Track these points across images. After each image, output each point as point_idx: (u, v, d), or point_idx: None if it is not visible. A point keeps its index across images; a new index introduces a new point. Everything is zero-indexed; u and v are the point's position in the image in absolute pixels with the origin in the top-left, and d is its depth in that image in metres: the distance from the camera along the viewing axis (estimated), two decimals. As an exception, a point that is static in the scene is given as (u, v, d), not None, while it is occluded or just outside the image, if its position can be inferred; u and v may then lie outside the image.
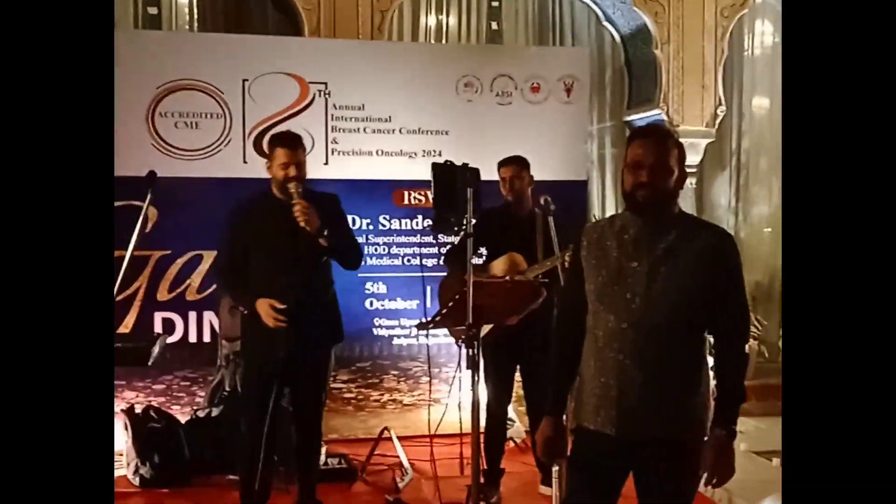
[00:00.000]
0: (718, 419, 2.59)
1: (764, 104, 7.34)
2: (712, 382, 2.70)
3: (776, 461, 4.96)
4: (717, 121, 6.60)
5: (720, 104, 6.57)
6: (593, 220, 6.56)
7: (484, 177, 3.62)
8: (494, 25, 7.09)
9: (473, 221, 3.38)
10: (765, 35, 7.30)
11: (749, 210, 7.38)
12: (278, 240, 3.78)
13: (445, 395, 5.59)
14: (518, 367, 4.52)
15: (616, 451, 2.62)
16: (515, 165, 4.49)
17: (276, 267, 3.79)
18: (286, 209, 3.74)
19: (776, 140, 7.33)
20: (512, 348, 4.35)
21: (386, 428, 5.11)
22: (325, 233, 3.74)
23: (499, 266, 4.37)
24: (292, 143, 3.85)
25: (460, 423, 4.35)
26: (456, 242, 4.53)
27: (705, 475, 2.59)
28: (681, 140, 2.79)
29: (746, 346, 2.70)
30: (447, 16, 6.94)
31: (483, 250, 4.61)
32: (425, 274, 5.22)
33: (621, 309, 2.59)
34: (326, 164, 5.48)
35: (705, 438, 2.61)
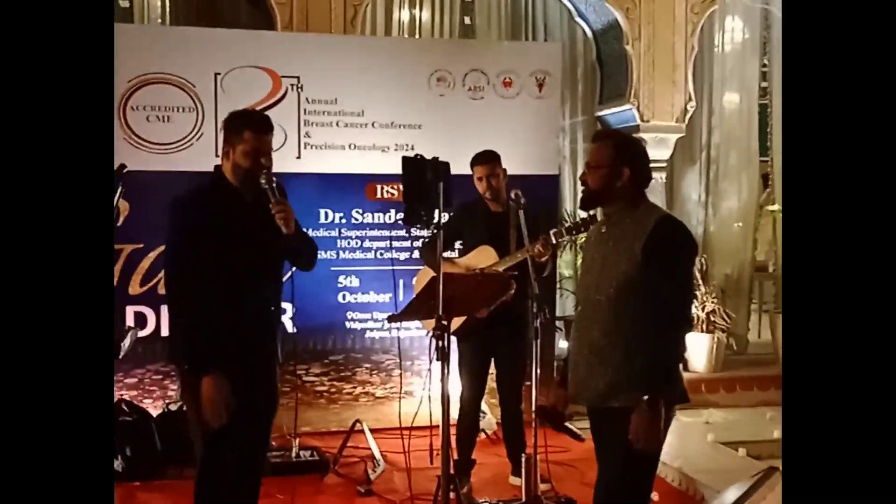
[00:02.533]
0: (646, 387, 2.76)
1: (734, 100, 7.44)
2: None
3: (742, 451, 5.04)
4: (687, 116, 6.68)
5: (690, 99, 6.65)
6: (565, 215, 6.70)
7: (456, 171, 3.65)
8: (467, 20, 7.14)
9: (445, 215, 3.41)
10: (734, 31, 7.39)
11: (719, 204, 7.48)
12: (242, 242, 3.08)
13: (418, 388, 5.62)
14: (492, 359, 4.56)
15: (590, 421, 2.98)
16: (490, 164, 4.48)
17: (236, 278, 3.07)
18: (248, 203, 3.13)
19: (746, 135, 7.45)
20: (485, 340, 4.39)
21: (358, 420, 5.13)
22: (298, 233, 3.17)
23: (471, 258, 4.41)
24: (262, 126, 3.14)
25: (430, 415, 4.38)
26: (429, 236, 4.56)
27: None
28: (635, 139, 3.08)
29: (685, 321, 2.87)
30: (420, 10, 6.97)
31: (458, 244, 4.64)
32: (397, 267, 5.25)
33: (581, 293, 3.00)
34: (299, 157, 5.49)
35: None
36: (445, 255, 3.92)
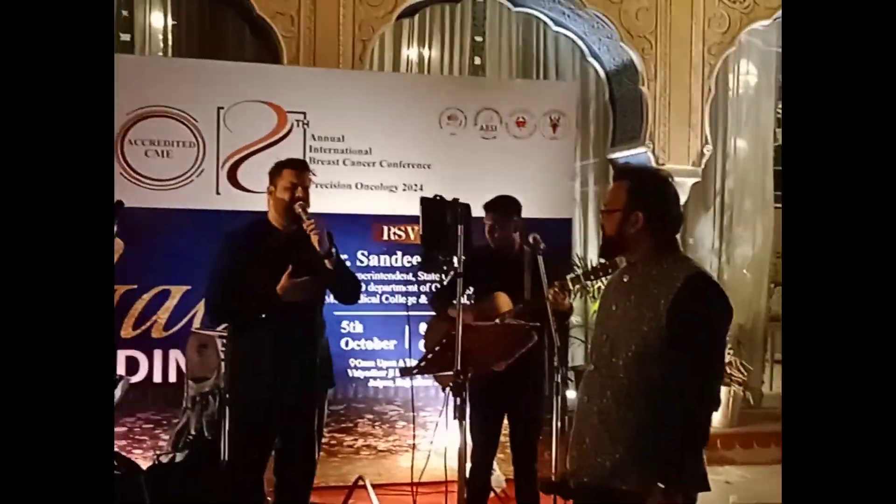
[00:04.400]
0: (661, 474, 2.42)
1: (748, 145, 7.25)
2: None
3: (768, 515, 4.76)
4: (704, 160, 6.49)
5: (706, 143, 6.46)
6: (577, 259, 6.46)
7: (473, 213, 3.44)
8: (477, 60, 6.97)
9: (463, 260, 3.18)
10: (749, 75, 7.24)
11: (732, 252, 7.26)
12: (279, 272, 3.50)
13: (423, 441, 5.35)
14: (505, 414, 4.29)
15: (592, 501, 2.58)
16: (497, 213, 4.23)
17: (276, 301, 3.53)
18: (286, 238, 3.59)
19: (761, 180, 7.26)
20: (500, 394, 4.11)
21: (360, 476, 4.86)
22: (333, 253, 3.59)
23: (485, 306, 4.16)
24: (301, 165, 3.73)
25: (445, 470, 4.14)
26: (444, 282, 4.32)
27: None
28: (657, 178, 2.70)
29: (712, 400, 2.51)
30: (429, 49, 6.80)
31: (470, 290, 4.40)
32: (407, 313, 4.99)
33: (595, 351, 2.63)
34: (303, 196, 5.26)
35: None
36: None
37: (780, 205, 7.60)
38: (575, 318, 6.84)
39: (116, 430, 4.97)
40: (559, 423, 3.72)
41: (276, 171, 3.71)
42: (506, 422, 4.34)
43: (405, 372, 3.51)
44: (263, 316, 3.53)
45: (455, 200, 3.19)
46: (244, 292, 3.55)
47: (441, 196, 3.20)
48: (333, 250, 3.58)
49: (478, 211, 3.97)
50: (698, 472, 2.49)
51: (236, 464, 3.70)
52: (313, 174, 3.72)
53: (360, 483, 4.83)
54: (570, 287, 3.93)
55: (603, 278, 4.62)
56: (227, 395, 3.86)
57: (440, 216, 3.14)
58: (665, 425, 2.43)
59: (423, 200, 3.19)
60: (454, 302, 3.31)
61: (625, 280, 2.63)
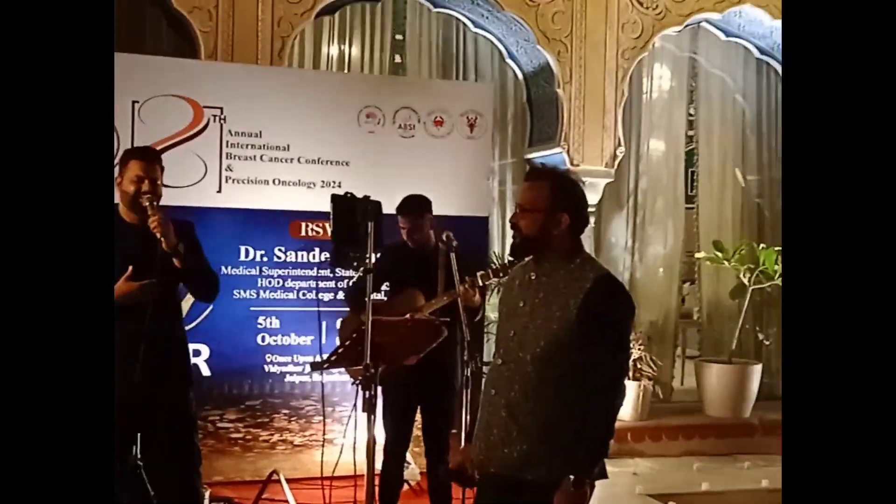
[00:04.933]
0: (571, 466, 2.51)
1: (661, 147, 7.47)
2: None
3: (672, 504, 4.95)
4: (617, 161, 6.67)
5: (619, 145, 6.65)
6: (493, 257, 6.58)
7: (386, 210, 3.50)
8: (398, 58, 7.03)
9: (374, 257, 3.24)
10: (662, 79, 7.45)
11: (645, 250, 7.47)
12: (123, 268, 3.26)
13: (338, 435, 5.39)
14: (418, 407, 4.37)
15: (498, 492, 2.63)
16: (410, 216, 4.30)
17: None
18: (133, 233, 3.34)
19: (672, 182, 7.48)
20: (412, 387, 4.20)
21: (275, 471, 4.88)
22: (181, 251, 3.32)
23: (399, 303, 4.23)
24: (148, 156, 3.47)
25: (354, 465, 4.17)
26: (356, 278, 4.37)
27: None
28: (574, 181, 2.78)
29: (618, 393, 2.61)
30: (350, 46, 6.84)
31: (385, 286, 4.46)
32: (322, 309, 5.03)
33: (502, 345, 2.69)
34: (220, 192, 5.25)
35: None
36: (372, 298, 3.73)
37: (691, 205, 7.86)
38: (494, 314, 6.96)
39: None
40: (468, 417, 3.81)
41: (123, 161, 3.45)
42: (419, 415, 4.43)
43: (316, 366, 3.54)
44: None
45: (366, 198, 3.24)
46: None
47: (351, 193, 3.26)
48: (181, 247, 3.32)
49: (390, 208, 4.04)
50: (602, 462, 2.59)
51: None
52: (161, 166, 3.48)
53: (275, 477, 4.85)
54: (480, 284, 4.03)
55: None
56: None
57: (350, 213, 3.20)
58: (574, 419, 2.51)
59: (334, 197, 3.24)
60: (366, 297, 3.36)
61: (532, 278, 2.68)
